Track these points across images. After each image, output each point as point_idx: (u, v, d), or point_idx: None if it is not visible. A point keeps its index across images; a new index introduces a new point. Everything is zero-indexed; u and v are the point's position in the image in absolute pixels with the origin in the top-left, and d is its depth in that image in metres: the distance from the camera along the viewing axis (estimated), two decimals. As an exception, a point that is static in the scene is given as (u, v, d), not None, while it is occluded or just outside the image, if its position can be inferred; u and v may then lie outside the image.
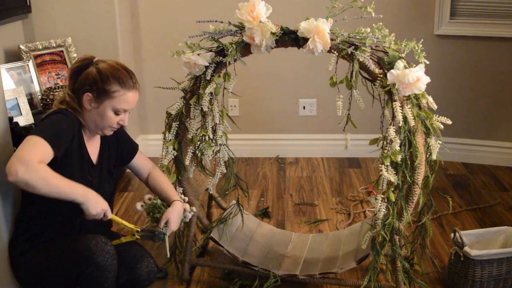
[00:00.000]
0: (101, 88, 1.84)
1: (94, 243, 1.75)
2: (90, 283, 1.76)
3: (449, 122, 2.00)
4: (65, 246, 1.80)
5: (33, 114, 2.78)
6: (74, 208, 1.82)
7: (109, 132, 1.94)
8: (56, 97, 2.77)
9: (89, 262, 1.73)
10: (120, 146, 2.08)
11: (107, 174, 2.03)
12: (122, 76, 1.87)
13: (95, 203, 1.78)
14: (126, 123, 1.93)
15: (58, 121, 1.83)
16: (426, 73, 1.95)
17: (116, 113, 1.88)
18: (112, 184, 2.07)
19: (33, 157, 1.68)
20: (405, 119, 1.93)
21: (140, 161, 2.15)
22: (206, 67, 2.09)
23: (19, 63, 2.91)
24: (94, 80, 1.85)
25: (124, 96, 1.87)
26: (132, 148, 2.14)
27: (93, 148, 1.99)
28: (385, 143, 2.00)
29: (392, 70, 1.93)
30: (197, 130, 2.18)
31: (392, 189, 2.00)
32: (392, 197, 1.99)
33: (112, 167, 2.06)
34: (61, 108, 1.89)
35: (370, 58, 1.96)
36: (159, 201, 2.03)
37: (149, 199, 2.06)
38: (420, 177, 2.03)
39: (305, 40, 1.98)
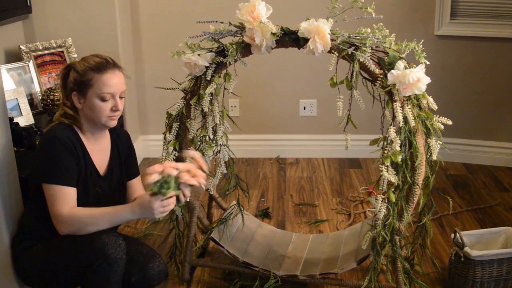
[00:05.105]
0: (80, 81, 1.88)
1: (107, 235, 1.78)
2: (98, 276, 1.77)
3: (450, 122, 2.00)
4: (77, 238, 1.82)
5: (34, 115, 2.78)
6: (80, 205, 1.84)
7: (110, 123, 1.93)
8: (56, 97, 2.77)
9: (100, 253, 1.75)
10: (127, 159, 2.10)
11: (117, 185, 2.03)
12: (93, 62, 1.89)
13: (151, 212, 1.77)
14: (119, 107, 1.92)
15: (59, 155, 1.84)
16: (427, 73, 1.95)
17: (103, 99, 1.88)
18: (123, 195, 2.08)
19: (63, 210, 1.80)
20: (405, 119, 1.93)
21: (137, 185, 2.13)
22: (207, 67, 2.08)
23: (19, 64, 2.92)
24: (74, 78, 1.89)
25: (101, 79, 1.87)
26: (134, 167, 2.13)
27: (100, 158, 1.99)
28: (385, 143, 2.00)
29: (392, 71, 1.93)
30: (197, 130, 2.18)
31: (393, 189, 2.00)
32: (393, 198, 1.99)
33: (123, 177, 2.07)
34: (56, 125, 1.91)
35: (371, 59, 1.96)
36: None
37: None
38: (420, 177, 2.03)
39: (306, 40, 1.98)
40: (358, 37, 1.98)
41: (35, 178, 1.87)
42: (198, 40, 2.09)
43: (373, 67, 1.96)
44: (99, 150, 1.98)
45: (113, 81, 1.89)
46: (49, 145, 1.84)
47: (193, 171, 1.81)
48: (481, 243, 2.41)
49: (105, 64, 1.89)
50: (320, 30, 1.94)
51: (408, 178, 1.99)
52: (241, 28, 2.04)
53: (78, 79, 1.88)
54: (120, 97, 1.92)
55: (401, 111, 1.93)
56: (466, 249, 2.24)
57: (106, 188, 1.98)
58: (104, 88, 1.87)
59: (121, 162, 2.06)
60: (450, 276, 2.37)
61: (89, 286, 1.80)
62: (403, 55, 1.99)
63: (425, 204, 2.11)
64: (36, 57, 3.02)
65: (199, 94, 2.11)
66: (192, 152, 1.92)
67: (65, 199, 1.81)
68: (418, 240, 2.20)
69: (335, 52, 1.99)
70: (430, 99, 2.01)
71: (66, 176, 1.83)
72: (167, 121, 2.22)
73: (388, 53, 1.97)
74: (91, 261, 1.76)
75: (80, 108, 1.91)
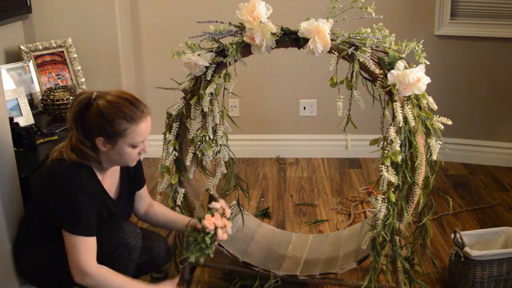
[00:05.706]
0: (110, 131, 1.75)
1: (126, 224, 1.83)
2: (117, 263, 1.80)
3: (450, 122, 2.00)
4: None
5: (34, 115, 2.78)
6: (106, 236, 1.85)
7: (133, 164, 1.89)
8: (56, 97, 2.77)
9: (121, 242, 1.79)
10: (135, 172, 2.08)
11: (127, 201, 2.04)
12: (127, 110, 1.75)
13: None
14: (147, 150, 1.87)
15: (81, 205, 1.75)
16: (427, 73, 1.95)
17: (134, 147, 1.82)
18: (132, 205, 2.10)
19: (90, 263, 1.74)
20: (405, 119, 1.93)
21: (144, 193, 2.14)
22: (207, 67, 2.08)
23: (19, 64, 2.92)
24: (99, 124, 1.75)
25: (136, 130, 1.78)
26: (141, 178, 2.13)
27: (111, 183, 1.96)
28: (385, 143, 1.99)
29: (392, 71, 1.93)
30: (197, 130, 2.18)
31: (393, 189, 2.00)
32: (393, 198, 1.99)
33: (132, 193, 2.07)
34: (76, 168, 1.78)
35: (371, 59, 1.96)
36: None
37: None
38: (420, 177, 2.03)
39: (306, 40, 1.98)
40: (358, 37, 1.97)
41: (56, 222, 1.79)
42: (198, 40, 2.09)
43: (373, 67, 1.96)
44: (109, 176, 1.94)
45: (146, 129, 1.82)
46: (72, 192, 1.74)
47: (225, 226, 1.99)
48: (481, 243, 2.41)
49: (139, 114, 1.78)
50: (320, 30, 1.94)
51: (408, 178, 1.99)
52: (241, 28, 2.04)
53: (108, 129, 1.74)
54: None
55: (401, 111, 1.93)
56: (466, 249, 2.24)
57: (120, 209, 1.97)
58: (138, 138, 1.80)
59: (130, 178, 2.05)
60: (450, 276, 2.37)
61: None
62: (403, 55, 1.99)
63: (425, 204, 2.11)
64: (36, 57, 3.02)
65: (199, 94, 2.11)
66: (222, 203, 2.06)
67: (89, 250, 1.75)
68: (418, 240, 2.20)
69: (335, 52, 1.98)
70: (430, 99, 2.01)
71: (89, 227, 1.77)
72: (167, 121, 2.22)
73: (388, 53, 1.97)
74: (112, 249, 1.79)
75: (104, 151, 1.80)
